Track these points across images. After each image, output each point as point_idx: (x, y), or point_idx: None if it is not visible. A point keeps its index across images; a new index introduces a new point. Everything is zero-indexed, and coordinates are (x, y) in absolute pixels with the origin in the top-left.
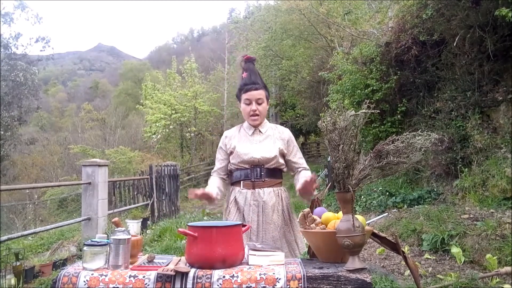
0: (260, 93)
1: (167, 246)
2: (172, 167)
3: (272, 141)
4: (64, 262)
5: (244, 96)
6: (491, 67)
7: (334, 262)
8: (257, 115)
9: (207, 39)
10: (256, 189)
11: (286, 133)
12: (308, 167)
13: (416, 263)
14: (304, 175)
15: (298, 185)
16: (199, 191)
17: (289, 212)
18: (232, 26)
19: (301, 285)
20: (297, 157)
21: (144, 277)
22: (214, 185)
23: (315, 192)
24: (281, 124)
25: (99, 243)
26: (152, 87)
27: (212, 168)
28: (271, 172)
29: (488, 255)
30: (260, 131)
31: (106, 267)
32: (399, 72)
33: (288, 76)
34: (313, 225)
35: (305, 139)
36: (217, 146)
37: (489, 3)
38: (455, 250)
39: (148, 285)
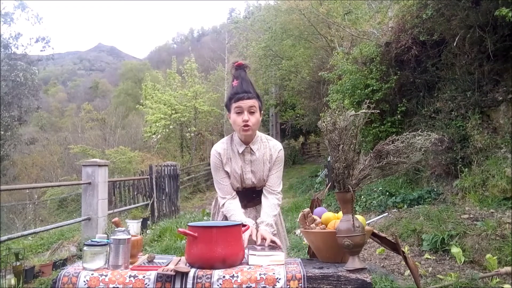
0: (252, 102)
1: (167, 246)
2: (172, 167)
3: (261, 163)
4: (64, 262)
5: (235, 105)
6: (491, 67)
7: (334, 262)
8: (249, 126)
9: (207, 39)
10: (248, 208)
11: (276, 150)
12: (278, 191)
13: (416, 263)
14: (264, 231)
15: (258, 238)
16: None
17: (277, 219)
18: (232, 26)
19: (301, 285)
20: (274, 174)
21: (144, 277)
22: (242, 216)
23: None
24: (281, 124)
25: (99, 243)
26: (152, 87)
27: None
28: (261, 192)
29: (488, 255)
30: (251, 149)
31: (106, 267)
32: (399, 72)
33: (288, 76)
34: (313, 225)
35: (305, 139)
36: None
37: (489, 3)
38: (455, 250)
39: (148, 285)
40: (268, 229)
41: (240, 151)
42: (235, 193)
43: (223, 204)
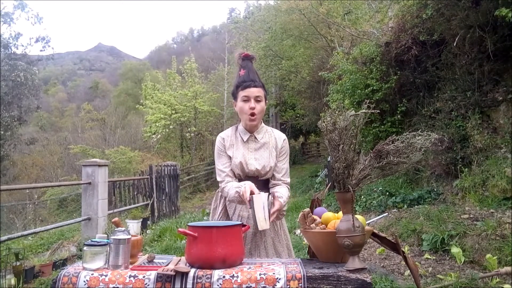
0: (259, 91)
1: (167, 246)
2: (172, 167)
3: (268, 151)
4: (64, 262)
5: (242, 93)
6: (491, 67)
7: (334, 262)
8: (256, 113)
9: (207, 39)
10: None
11: (282, 139)
12: (287, 182)
13: (416, 263)
14: (276, 202)
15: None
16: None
17: (280, 222)
18: (232, 26)
19: (301, 285)
20: (281, 165)
21: (144, 277)
22: (241, 183)
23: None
24: (281, 124)
25: (99, 243)
26: (152, 87)
27: (212, 170)
28: (264, 183)
29: (488, 255)
30: (255, 137)
31: (106, 267)
32: (399, 72)
33: (288, 76)
34: (313, 225)
35: (305, 139)
36: None
37: (489, 3)
38: (455, 250)
39: (148, 285)
40: (281, 200)
41: (245, 140)
42: (235, 178)
43: (223, 187)
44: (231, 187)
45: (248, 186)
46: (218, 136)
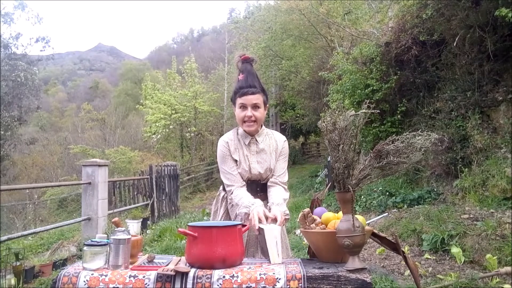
0: (256, 98)
1: (167, 246)
2: (172, 167)
3: (268, 153)
4: (64, 262)
5: (239, 101)
6: (491, 67)
7: (334, 262)
8: (253, 121)
9: (207, 39)
10: None
11: (281, 141)
12: (284, 182)
13: (416, 263)
14: (275, 209)
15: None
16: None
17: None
18: (232, 26)
19: (301, 285)
20: (279, 164)
21: (144, 277)
22: (250, 198)
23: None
24: (281, 124)
25: (99, 243)
26: (152, 87)
27: (212, 170)
28: (265, 186)
29: (488, 255)
30: (256, 140)
31: (106, 267)
32: (399, 72)
33: (288, 76)
34: (313, 225)
35: (305, 139)
36: (216, 146)
37: (489, 3)
38: (455, 250)
39: (148, 285)
40: (279, 208)
41: (247, 142)
42: (244, 183)
43: (231, 192)
44: (241, 204)
45: (256, 212)
46: (220, 139)
